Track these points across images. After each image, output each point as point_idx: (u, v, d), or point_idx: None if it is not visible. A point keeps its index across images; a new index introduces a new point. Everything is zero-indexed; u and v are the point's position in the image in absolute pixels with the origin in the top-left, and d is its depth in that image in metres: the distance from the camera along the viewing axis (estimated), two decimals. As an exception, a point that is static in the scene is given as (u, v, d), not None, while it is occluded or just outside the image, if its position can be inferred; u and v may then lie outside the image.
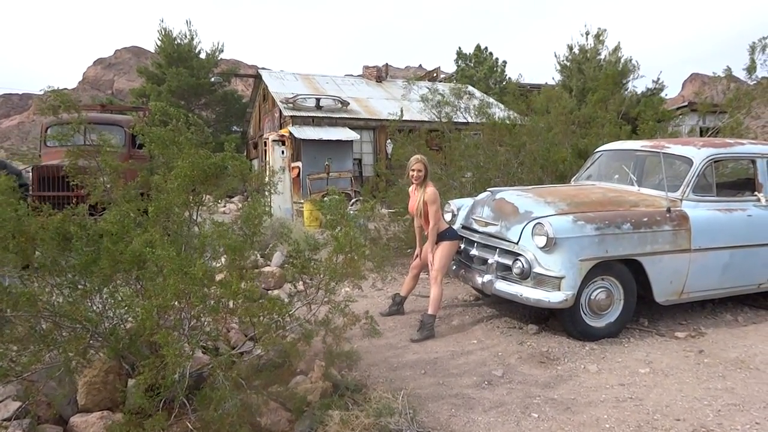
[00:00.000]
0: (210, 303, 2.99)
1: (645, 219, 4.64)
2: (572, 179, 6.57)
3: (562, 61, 24.25)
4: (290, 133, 18.72)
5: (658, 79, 21.91)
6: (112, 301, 3.29)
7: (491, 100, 15.42)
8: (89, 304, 3.19)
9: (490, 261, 4.90)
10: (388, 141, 19.84)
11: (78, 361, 3.01)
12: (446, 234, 5.07)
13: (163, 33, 29.49)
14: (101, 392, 3.11)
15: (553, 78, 28.75)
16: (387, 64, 29.51)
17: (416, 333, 4.80)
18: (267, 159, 17.22)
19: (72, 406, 3.08)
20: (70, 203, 3.43)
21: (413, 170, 5.03)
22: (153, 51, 32.24)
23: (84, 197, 3.76)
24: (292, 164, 17.43)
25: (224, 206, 16.03)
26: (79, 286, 3.24)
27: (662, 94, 21.60)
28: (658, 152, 5.30)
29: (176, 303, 3.01)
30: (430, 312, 4.89)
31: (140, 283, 3.35)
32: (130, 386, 3.04)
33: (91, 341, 3.09)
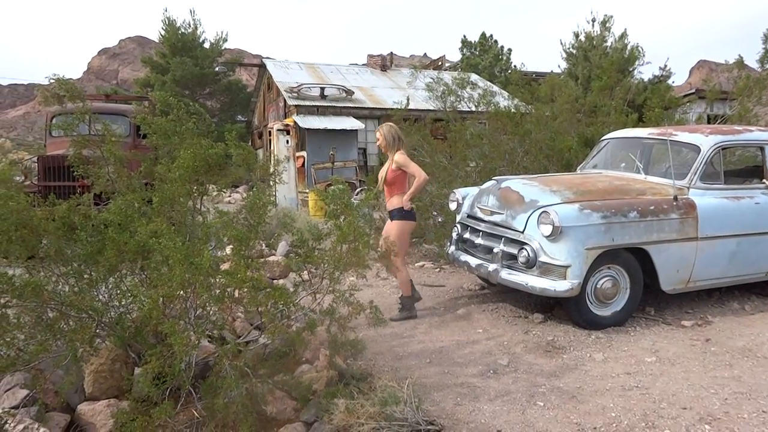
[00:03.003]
0: (215, 292, 2.99)
1: (652, 207, 4.61)
2: (578, 168, 6.53)
3: (568, 48, 23.98)
4: (295, 122, 18.67)
5: (665, 66, 21.67)
6: (118, 291, 3.30)
7: (495, 88, 15.36)
8: (95, 293, 3.20)
9: (495, 250, 4.88)
10: (393, 130, 19.74)
11: (85, 349, 3.02)
12: (409, 214, 4.97)
13: (167, 22, 29.36)
14: (108, 380, 3.13)
15: (558, 66, 28.60)
16: (392, 52, 29.32)
17: (396, 313, 4.86)
18: (272, 148, 17.20)
19: (79, 394, 3.10)
20: (75, 193, 3.43)
21: (376, 140, 5.07)
22: (157, 41, 32.16)
23: (89, 187, 3.77)
24: (297, 154, 17.42)
25: (229, 196, 16.05)
26: (85, 276, 3.25)
27: (669, 81, 21.42)
28: (666, 140, 5.25)
29: (182, 292, 3.02)
30: (404, 295, 4.97)
31: (145, 273, 3.36)
32: (137, 375, 3.06)
33: (97, 330, 3.10)
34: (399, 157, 4.96)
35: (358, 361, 3.93)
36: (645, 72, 21.10)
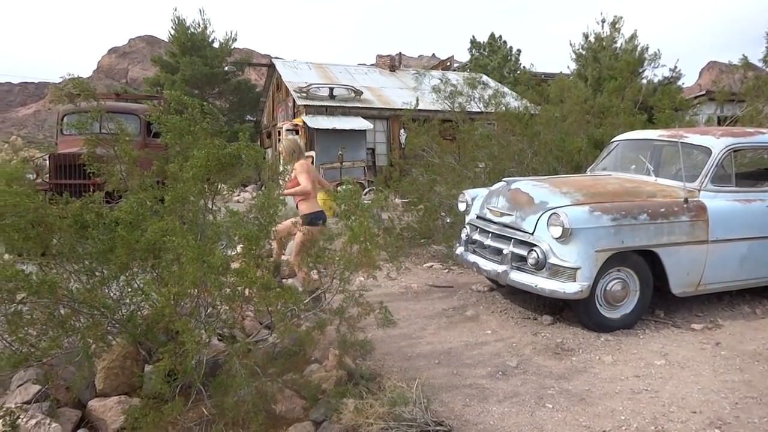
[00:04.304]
0: (226, 291, 3.01)
1: (662, 210, 4.59)
2: (588, 169, 6.51)
3: (578, 49, 23.91)
4: (304, 122, 18.72)
5: (675, 67, 21.61)
6: (129, 288, 3.33)
7: (505, 89, 15.32)
8: (106, 291, 3.23)
9: (504, 251, 4.88)
10: (402, 130, 19.78)
11: (97, 345, 3.05)
12: (311, 217, 5.16)
13: (177, 22, 29.48)
14: (119, 377, 3.15)
15: (568, 67, 28.41)
16: (400, 53, 29.33)
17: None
18: (280, 148, 17.22)
19: (90, 390, 3.13)
20: (87, 191, 3.46)
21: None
22: (167, 40, 32.29)
23: (100, 185, 3.79)
24: (306, 153, 17.45)
25: (238, 195, 16.10)
26: (96, 274, 3.28)
27: (679, 83, 21.32)
28: (676, 142, 5.22)
29: (193, 291, 3.04)
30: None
31: (156, 271, 3.38)
32: (148, 371, 3.08)
33: (108, 327, 3.13)
34: (297, 166, 5.36)
35: (367, 361, 3.94)
36: (656, 74, 20.93)
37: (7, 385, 3.11)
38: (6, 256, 3.34)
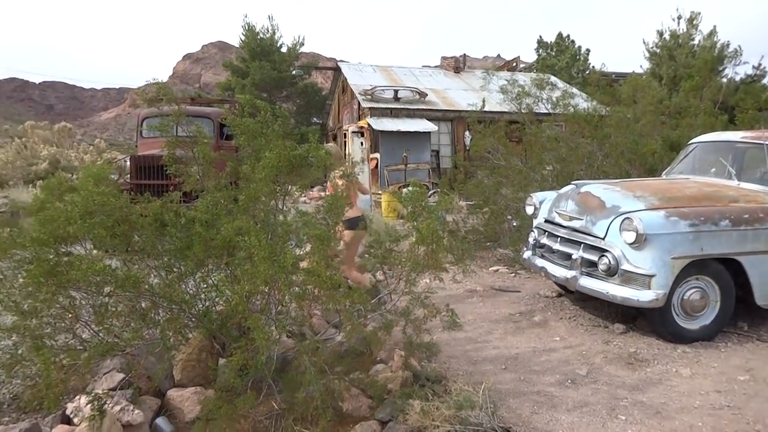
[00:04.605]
0: (295, 290, 3.08)
1: (746, 216, 4.34)
2: (663, 173, 6.24)
3: (652, 47, 22.91)
4: (368, 124, 18.90)
5: (759, 64, 20.29)
6: (204, 285, 3.47)
7: (574, 90, 14.91)
8: (183, 286, 3.38)
9: (574, 256, 4.75)
10: (467, 132, 19.62)
11: (175, 338, 3.20)
12: (352, 222, 5.03)
13: (247, 28, 30.52)
14: (195, 369, 3.28)
15: (641, 66, 27.29)
16: (465, 54, 29.12)
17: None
18: (346, 150, 17.47)
19: (169, 380, 3.28)
20: (166, 191, 3.63)
21: None
22: (237, 45, 33.47)
23: (178, 185, 3.97)
24: (371, 155, 17.61)
25: (304, 196, 16.43)
26: (174, 270, 3.43)
27: (764, 81, 20.03)
28: (761, 144, 4.93)
29: (264, 289, 3.13)
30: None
31: (229, 269, 3.50)
32: (221, 365, 3.20)
33: (185, 321, 3.27)
34: (336, 173, 5.26)
35: (432, 364, 3.93)
36: (737, 72, 19.74)
37: (95, 373, 3.31)
38: (94, 252, 3.55)
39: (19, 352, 2.97)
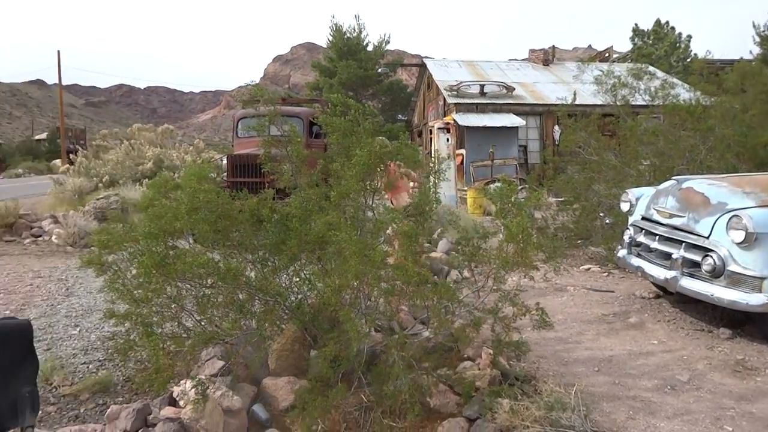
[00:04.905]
0: (384, 285, 3.14)
1: None
2: (777, 166, 5.76)
3: (763, 30, 21.16)
4: (454, 120, 18.77)
5: None
6: (297, 278, 3.61)
7: (675, 80, 14.04)
8: (277, 279, 3.53)
9: (674, 256, 4.49)
10: (556, 127, 19.02)
11: (271, 329, 3.35)
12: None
13: (334, 28, 31.20)
14: (288, 359, 3.43)
15: (750, 51, 25.28)
16: (554, 46, 28.25)
17: None
18: (432, 146, 17.48)
19: (264, 369, 3.44)
20: (262, 188, 3.80)
21: None
22: (325, 46, 34.29)
23: (272, 182, 4.15)
24: (456, 151, 17.49)
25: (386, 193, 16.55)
26: (269, 263, 3.60)
27: None
28: None
29: (354, 283, 3.21)
30: None
31: (321, 263, 3.62)
32: (313, 356, 3.31)
33: (280, 313, 3.42)
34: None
35: (521, 363, 3.87)
36: None
37: (198, 359, 3.53)
38: (197, 246, 3.79)
39: (131, 337, 3.23)
